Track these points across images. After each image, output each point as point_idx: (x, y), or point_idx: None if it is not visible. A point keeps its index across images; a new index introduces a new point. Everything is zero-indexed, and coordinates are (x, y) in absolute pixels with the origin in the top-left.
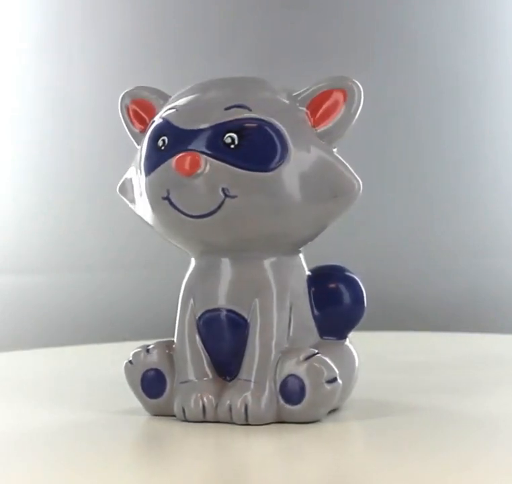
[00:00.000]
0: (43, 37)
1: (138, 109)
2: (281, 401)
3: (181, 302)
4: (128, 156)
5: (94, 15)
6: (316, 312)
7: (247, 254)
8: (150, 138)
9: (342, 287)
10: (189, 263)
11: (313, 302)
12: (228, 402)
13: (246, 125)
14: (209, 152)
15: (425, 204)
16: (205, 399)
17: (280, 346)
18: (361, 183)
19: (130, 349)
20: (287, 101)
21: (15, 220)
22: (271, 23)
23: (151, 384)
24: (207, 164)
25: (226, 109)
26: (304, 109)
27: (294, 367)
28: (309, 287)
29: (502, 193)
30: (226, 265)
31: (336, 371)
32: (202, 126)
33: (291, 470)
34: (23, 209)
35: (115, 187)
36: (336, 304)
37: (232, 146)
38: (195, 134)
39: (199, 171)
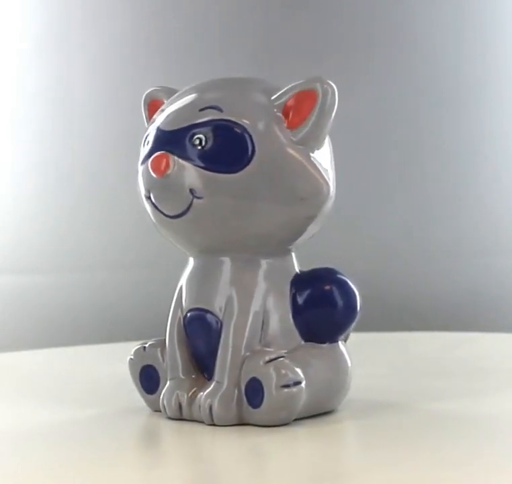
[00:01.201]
0: (43, 37)
1: (152, 108)
2: (246, 403)
3: (174, 300)
4: (128, 157)
5: (94, 15)
6: (297, 315)
7: (238, 255)
8: (143, 138)
9: (326, 290)
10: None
11: (294, 305)
12: (199, 401)
13: (214, 126)
14: (179, 153)
15: (425, 204)
16: (181, 397)
17: (250, 348)
18: (330, 186)
19: (129, 349)
20: (262, 103)
21: (15, 220)
22: (271, 23)
23: (148, 380)
24: (176, 165)
25: (200, 110)
26: (279, 111)
27: (256, 369)
28: (291, 289)
29: (502, 193)
30: (212, 265)
31: (301, 375)
32: (176, 127)
33: (285, 469)
34: (23, 209)
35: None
36: (318, 307)
37: (199, 147)
38: (170, 135)
39: (168, 172)
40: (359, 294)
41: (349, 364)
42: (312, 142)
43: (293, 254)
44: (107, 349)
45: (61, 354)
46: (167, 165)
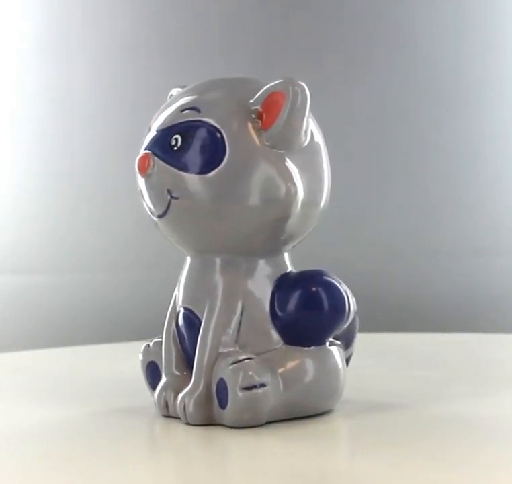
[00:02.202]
0: (43, 37)
1: None
2: (216, 404)
3: (173, 298)
4: (128, 157)
5: (94, 15)
6: (276, 317)
7: (222, 256)
8: None
9: (306, 292)
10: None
11: (273, 307)
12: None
13: (190, 127)
14: (159, 153)
15: (425, 204)
16: (168, 396)
17: (224, 348)
18: (297, 189)
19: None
20: (240, 105)
21: (15, 220)
22: (271, 23)
23: (152, 376)
24: (155, 165)
25: (181, 111)
26: (255, 112)
27: (224, 371)
28: (273, 291)
29: (502, 193)
30: (200, 265)
31: (267, 378)
32: (161, 128)
33: (279, 469)
34: (23, 209)
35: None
36: (298, 309)
37: (176, 147)
38: (157, 135)
39: (148, 172)
40: (351, 297)
41: (340, 367)
42: (284, 143)
43: (285, 255)
44: (107, 349)
45: (61, 354)
46: (148, 165)
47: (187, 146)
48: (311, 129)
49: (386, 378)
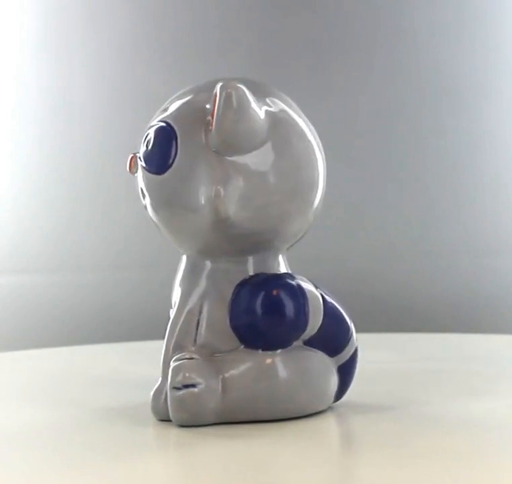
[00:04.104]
0: (43, 38)
1: None
2: None
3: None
4: (128, 157)
5: (94, 15)
6: (231, 319)
7: (192, 256)
8: None
9: (248, 296)
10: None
11: (230, 309)
12: None
13: (156, 128)
14: (139, 154)
15: (425, 204)
16: (162, 398)
17: (180, 348)
18: (221, 194)
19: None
20: (197, 107)
21: (15, 220)
22: (271, 23)
23: None
24: (136, 165)
25: (162, 111)
26: (209, 114)
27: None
28: (232, 293)
29: (502, 193)
30: (181, 265)
31: (201, 379)
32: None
33: (275, 469)
34: (23, 209)
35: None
36: (242, 313)
37: (145, 148)
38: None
39: (133, 171)
40: (312, 302)
41: (282, 375)
42: (224, 147)
43: (249, 258)
44: (107, 349)
45: (60, 354)
46: (132, 165)
47: (151, 146)
48: (282, 130)
49: (386, 378)
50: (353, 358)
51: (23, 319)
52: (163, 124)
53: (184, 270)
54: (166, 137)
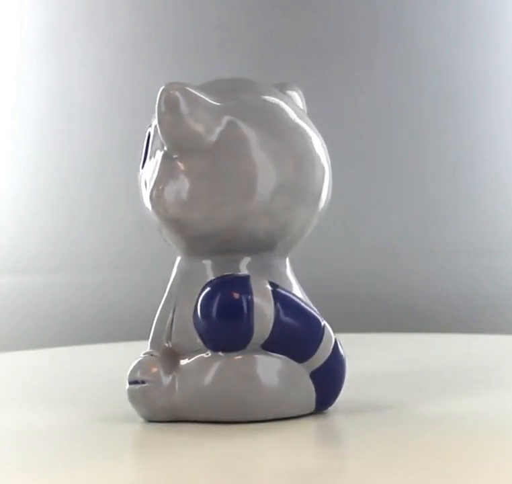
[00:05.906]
0: (43, 38)
1: None
2: None
3: None
4: (127, 157)
5: (94, 15)
6: (193, 320)
7: (182, 256)
8: None
9: (199, 298)
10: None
11: (194, 310)
12: None
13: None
14: None
15: (425, 204)
16: None
17: (156, 345)
18: (162, 194)
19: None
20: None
21: (15, 220)
22: (271, 23)
23: None
24: None
25: None
26: None
27: None
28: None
29: (502, 193)
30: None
31: (153, 376)
32: None
33: (272, 469)
34: (23, 209)
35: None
36: (196, 315)
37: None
38: None
39: None
40: (260, 305)
41: (230, 377)
42: (168, 148)
43: (220, 259)
44: (107, 349)
45: (60, 354)
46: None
47: (145, 147)
48: (242, 132)
49: (385, 378)
50: (329, 364)
51: (23, 319)
52: (150, 127)
53: (174, 269)
54: (147, 139)
